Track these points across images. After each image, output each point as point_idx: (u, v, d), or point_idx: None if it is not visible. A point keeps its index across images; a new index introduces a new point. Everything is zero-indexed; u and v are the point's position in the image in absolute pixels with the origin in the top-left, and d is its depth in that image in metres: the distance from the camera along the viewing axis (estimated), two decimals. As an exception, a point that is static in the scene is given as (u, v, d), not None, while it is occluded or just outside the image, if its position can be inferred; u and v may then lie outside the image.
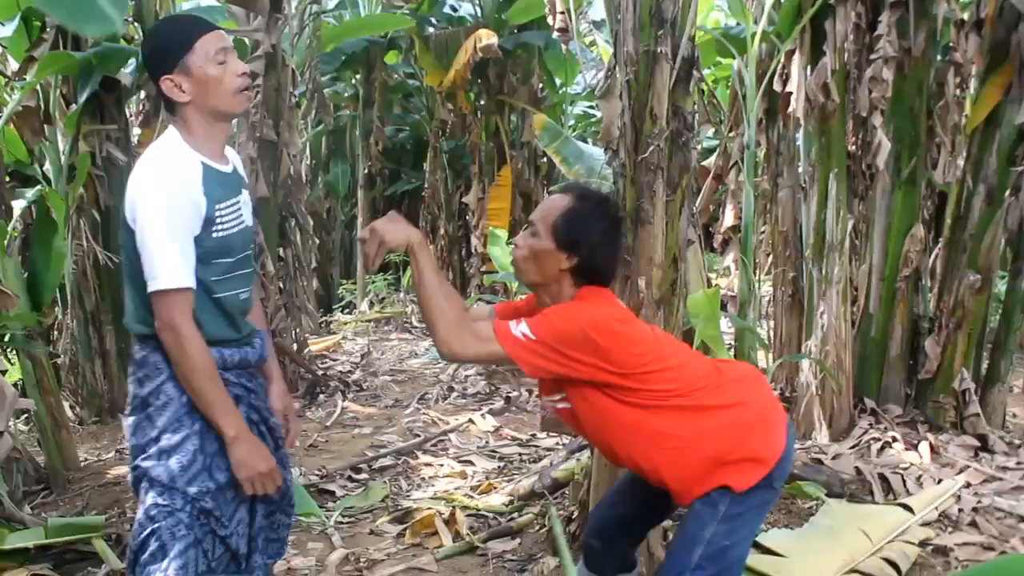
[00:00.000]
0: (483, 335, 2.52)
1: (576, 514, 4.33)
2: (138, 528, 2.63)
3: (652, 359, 2.64)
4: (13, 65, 7.46)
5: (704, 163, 7.37)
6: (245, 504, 2.75)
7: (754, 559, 3.93)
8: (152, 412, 2.62)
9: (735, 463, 2.61)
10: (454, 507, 4.93)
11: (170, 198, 2.47)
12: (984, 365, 6.69)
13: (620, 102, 3.91)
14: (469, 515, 4.95)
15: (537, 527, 4.66)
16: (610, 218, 2.75)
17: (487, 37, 11.53)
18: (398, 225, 2.51)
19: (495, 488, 5.45)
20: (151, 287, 2.47)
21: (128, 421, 2.71)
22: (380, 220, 2.52)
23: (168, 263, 2.46)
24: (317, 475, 5.79)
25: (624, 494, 3.11)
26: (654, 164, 3.67)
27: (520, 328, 2.52)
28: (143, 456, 2.63)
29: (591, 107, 17.41)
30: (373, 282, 14.08)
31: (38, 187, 6.77)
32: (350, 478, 5.84)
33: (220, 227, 2.59)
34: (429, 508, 4.92)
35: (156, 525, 2.59)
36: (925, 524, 4.62)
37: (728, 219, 6.91)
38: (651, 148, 3.67)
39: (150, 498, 2.61)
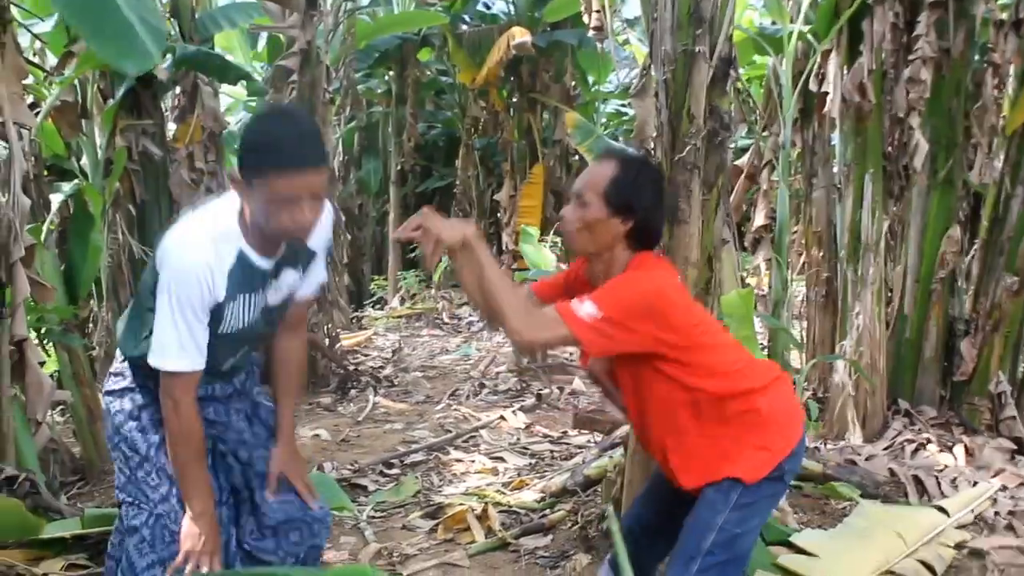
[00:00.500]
0: (552, 320, 2.49)
1: (611, 510, 4.33)
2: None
3: (704, 331, 2.67)
4: (52, 60, 7.53)
5: (736, 162, 7.34)
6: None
7: (788, 559, 3.92)
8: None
9: (751, 451, 2.65)
10: (486, 503, 4.94)
11: (191, 277, 2.42)
12: (1021, 368, 6.64)
13: (656, 101, 3.89)
14: (501, 511, 4.95)
15: (570, 524, 4.66)
16: (655, 178, 2.77)
17: (520, 35, 11.54)
18: (451, 222, 2.47)
19: (527, 485, 5.45)
20: (156, 361, 2.50)
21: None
22: (431, 218, 2.43)
23: (177, 343, 2.46)
24: (349, 469, 5.81)
25: (651, 498, 3.12)
26: (691, 164, 3.66)
27: (585, 308, 2.48)
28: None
29: (623, 105, 17.39)
30: (404, 278, 14.11)
31: (75, 181, 6.83)
32: (382, 473, 5.87)
33: (225, 325, 2.59)
34: (461, 504, 4.94)
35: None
36: (960, 527, 4.59)
37: (759, 218, 6.88)
38: (688, 148, 3.66)
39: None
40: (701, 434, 2.67)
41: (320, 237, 2.68)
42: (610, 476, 4.47)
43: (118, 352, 2.79)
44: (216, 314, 2.52)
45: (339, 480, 5.40)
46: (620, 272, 2.68)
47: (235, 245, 2.48)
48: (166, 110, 8.29)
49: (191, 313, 2.44)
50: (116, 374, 2.77)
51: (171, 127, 8.20)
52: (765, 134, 7.05)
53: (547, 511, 4.93)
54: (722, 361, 2.69)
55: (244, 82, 10.53)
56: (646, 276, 2.61)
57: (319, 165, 2.35)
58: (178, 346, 2.46)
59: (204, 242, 2.43)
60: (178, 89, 8.02)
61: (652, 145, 3.88)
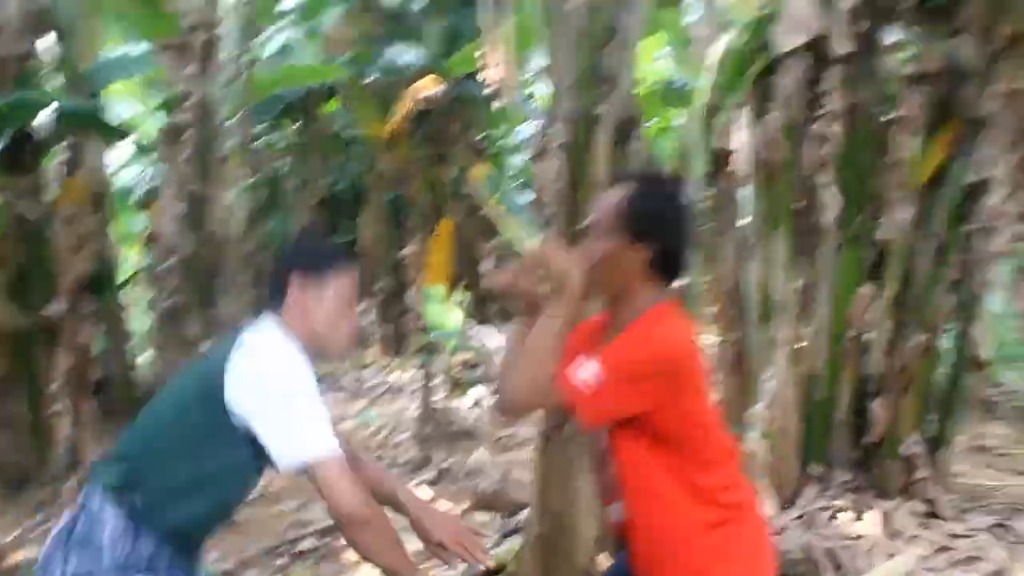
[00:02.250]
0: (546, 384, 2.20)
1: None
2: None
3: (708, 415, 2.40)
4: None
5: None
6: None
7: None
8: None
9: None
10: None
11: (299, 362, 2.34)
12: (932, 426, 6.55)
13: (555, 163, 3.68)
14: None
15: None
16: (676, 195, 2.46)
17: (429, 86, 11.38)
18: (574, 259, 2.25)
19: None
20: (304, 458, 2.28)
21: None
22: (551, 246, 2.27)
23: (320, 431, 2.30)
24: (235, 560, 5.41)
25: None
26: (591, 233, 3.44)
27: (584, 373, 2.18)
28: None
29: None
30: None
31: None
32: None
33: None
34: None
35: None
36: (881, 607, 4.41)
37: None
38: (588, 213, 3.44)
39: None
40: (689, 546, 2.37)
41: None
42: (511, 569, 4.17)
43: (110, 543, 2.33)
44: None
45: (224, 574, 5.05)
46: (643, 315, 2.33)
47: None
48: (48, 169, 7.87)
49: (316, 393, 2.35)
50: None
51: (54, 186, 7.80)
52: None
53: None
54: (717, 459, 2.41)
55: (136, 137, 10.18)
56: (660, 328, 2.30)
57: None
58: (325, 428, 2.32)
59: (293, 349, 2.38)
60: (65, 143, 7.67)
61: (552, 209, 3.67)
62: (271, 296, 2.46)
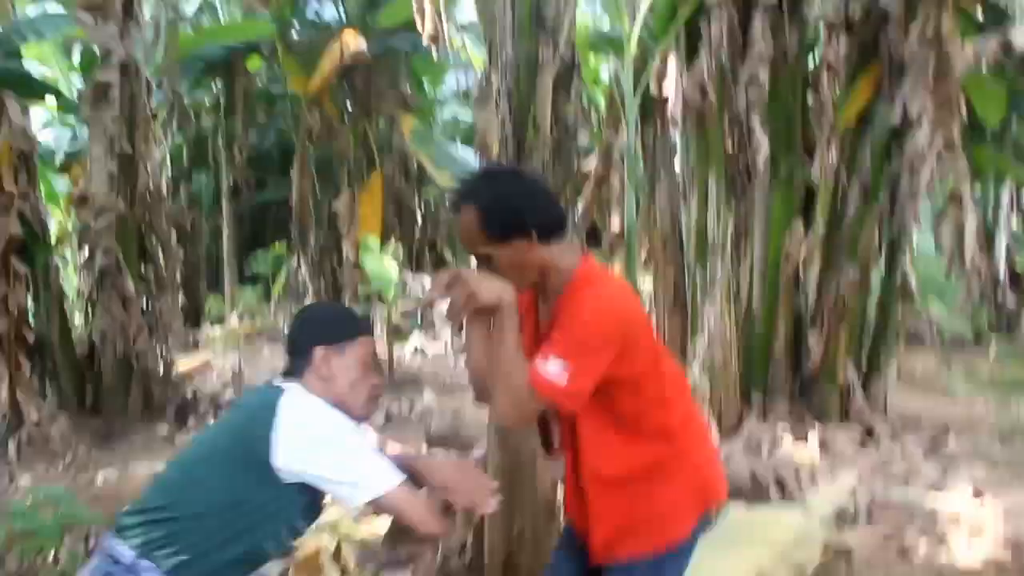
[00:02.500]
0: (528, 396, 2.28)
1: (470, 542, 4.13)
2: None
3: (657, 357, 2.47)
4: None
5: (584, 168, 7.28)
6: None
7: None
8: None
9: (684, 512, 2.49)
10: (339, 540, 4.66)
11: (343, 416, 2.42)
12: (865, 356, 6.78)
13: (498, 110, 3.71)
14: (356, 547, 4.68)
15: (429, 556, 4.43)
16: (507, 177, 2.53)
17: (354, 42, 11.25)
18: (491, 281, 2.29)
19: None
20: (373, 495, 2.33)
21: None
22: (470, 271, 2.29)
23: (379, 464, 2.36)
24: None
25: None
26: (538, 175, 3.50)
27: (552, 367, 2.25)
28: None
29: (461, 110, 17.27)
30: (243, 294, 13.64)
31: None
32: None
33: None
34: (313, 542, 4.64)
35: None
36: (824, 523, 4.58)
37: (615, 224, 6.83)
38: (534, 160, 3.49)
39: None
40: (638, 487, 2.46)
41: None
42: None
43: None
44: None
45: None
46: (568, 282, 2.40)
47: None
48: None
49: (359, 433, 2.45)
50: None
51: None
52: (610, 137, 6.99)
53: (404, 543, 4.67)
54: (672, 397, 2.49)
55: (56, 97, 9.93)
56: (604, 300, 2.35)
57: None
58: (381, 463, 2.37)
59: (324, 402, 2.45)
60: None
61: (496, 155, 3.70)
62: (295, 369, 2.51)
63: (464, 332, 2.63)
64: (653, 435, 2.46)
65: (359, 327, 2.60)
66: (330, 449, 2.33)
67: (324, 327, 2.56)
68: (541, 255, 2.38)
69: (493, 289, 2.27)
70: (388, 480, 2.33)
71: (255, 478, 2.33)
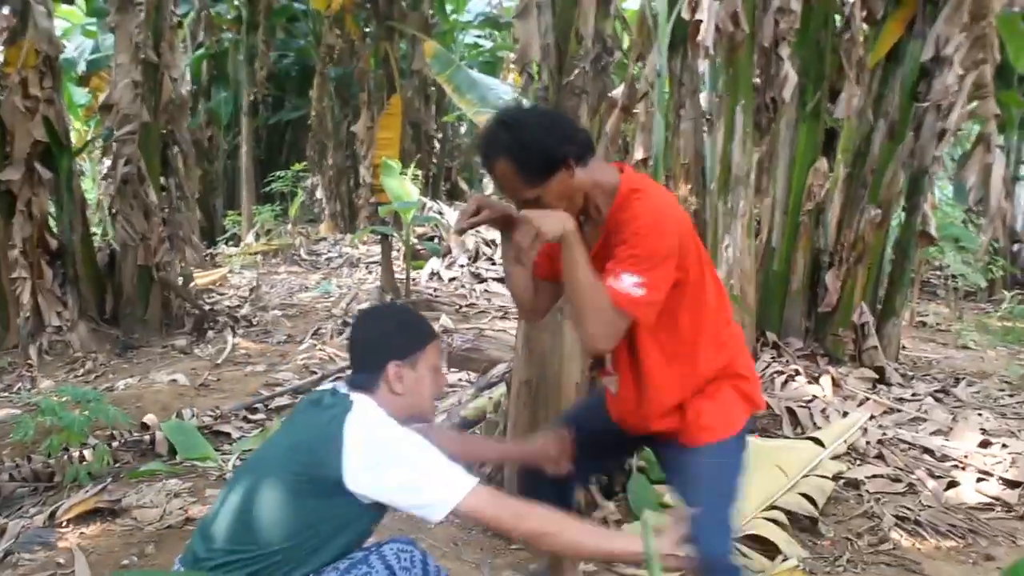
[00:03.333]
0: (615, 316, 2.34)
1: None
2: None
3: (703, 261, 2.55)
4: None
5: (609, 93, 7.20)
6: None
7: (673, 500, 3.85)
8: None
9: (743, 402, 2.61)
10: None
11: (411, 431, 2.39)
12: (881, 299, 6.78)
13: (540, 22, 3.69)
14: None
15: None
16: (530, 119, 2.51)
17: (377, -41, 11.12)
18: (552, 214, 2.32)
19: (399, 426, 5.25)
20: (451, 505, 2.30)
21: None
22: (531, 211, 2.30)
23: (450, 474, 2.33)
24: (210, 416, 5.51)
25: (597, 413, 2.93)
26: (579, 88, 3.49)
27: (626, 282, 2.32)
28: None
29: (481, 36, 17.11)
30: (259, 213, 13.65)
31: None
32: (246, 419, 5.59)
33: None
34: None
35: None
36: (835, 457, 4.64)
37: (638, 152, 6.76)
38: (576, 71, 3.48)
39: None
40: (704, 365, 2.57)
41: None
42: (491, 417, 4.31)
43: None
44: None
45: (200, 428, 5.14)
46: (615, 197, 2.49)
47: None
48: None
49: (429, 445, 2.38)
50: None
51: (1, 51, 7.61)
52: (640, 64, 6.90)
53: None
54: (719, 294, 2.60)
55: (81, 2, 9.86)
56: (659, 210, 2.43)
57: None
58: (452, 470, 2.34)
59: (389, 417, 2.44)
60: (6, 9, 7.42)
61: (536, 69, 3.69)
62: (364, 382, 2.48)
63: (503, 259, 2.70)
64: (708, 342, 2.55)
65: (427, 334, 2.58)
66: (400, 471, 2.32)
67: (394, 341, 2.52)
68: (582, 179, 2.45)
69: (555, 222, 2.30)
70: (460, 489, 2.31)
71: (326, 503, 2.34)
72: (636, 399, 2.64)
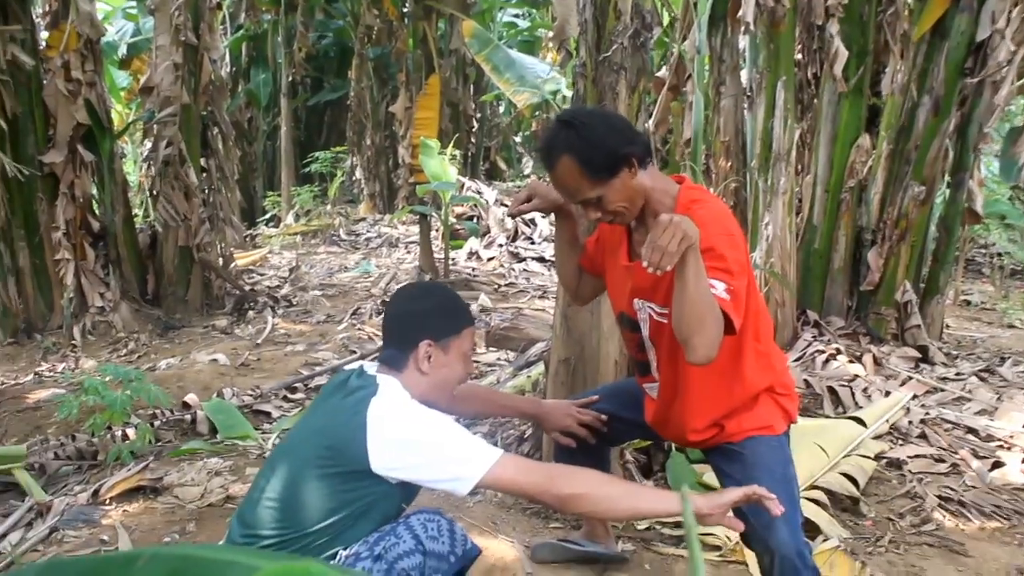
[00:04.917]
0: (720, 324, 2.29)
1: (529, 433, 4.18)
2: None
3: (750, 268, 2.59)
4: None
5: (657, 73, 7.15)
6: None
7: (713, 476, 3.83)
8: None
9: (786, 399, 2.68)
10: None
11: (435, 412, 2.41)
12: (924, 277, 6.69)
13: (578, -2, 3.66)
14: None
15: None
16: (591, 119, 2.52)
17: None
18: (688, 219, 2.25)
19: (439, 405, 5.26)
20: (477, 479, 2.32)
21: None
22: (672, 214, 2.24)
23: (473, 448, 2.34)
24: (251, 395, 5.56)
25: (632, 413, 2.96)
26: (617, 64, 3.46)
27: (718, 289, 2.30)
28: None
29: (518, 16, 17.03)
30: (298, 194, 13.71)
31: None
32: (286, 398, 5.64)
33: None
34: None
35: None
36: (877, 437, 4.59)
37: (687, 131, 6.70)
38: (615, 47, 3.44)
39: None
40: (748, 383, 2.61)
41: None
42: (530, 396, 4.30)
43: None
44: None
45: (240, 407, 5.18)
46: (672, 208, 2.48)
47: None
48: (36, 16, 7.73)
49: (452, 422, 2.42)
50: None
51: (43, 35, 7.69)
52: (683, 44, 6.83)
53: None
54: (762, 310, 2.66)
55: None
56: (724, 219, 2.48)
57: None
58: (477, 444, 2.37)
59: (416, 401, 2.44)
60: (51, -8, 7.51)
61: (574, 45, 3.66)
62: (394, 359, 2.48)
63: (557, 246, 2.92)
64: (754, 359, 2.61)
65: (465, 319, 2.59)
66: (423, 449, 2.34)
67: (432, 320, 2.52)
68: (643, 182, 2.49)
69: (694, 227, 2.24)
70: (485, 460, 2.32)
71: (355, 484, 2.36)
72: (675, 408, 2.69)
